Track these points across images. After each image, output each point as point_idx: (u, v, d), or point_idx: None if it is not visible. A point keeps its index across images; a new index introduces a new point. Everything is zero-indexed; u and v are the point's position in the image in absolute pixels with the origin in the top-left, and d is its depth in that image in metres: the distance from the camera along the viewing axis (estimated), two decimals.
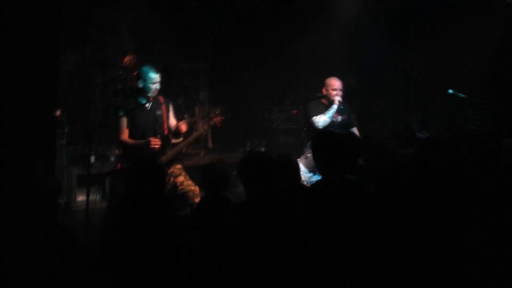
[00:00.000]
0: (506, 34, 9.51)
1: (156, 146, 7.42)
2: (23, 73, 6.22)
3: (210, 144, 12.58)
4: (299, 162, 7.18)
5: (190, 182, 7.80)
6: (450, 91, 9.58)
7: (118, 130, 7.67)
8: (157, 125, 7.63)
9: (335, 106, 8.63)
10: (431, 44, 10.38)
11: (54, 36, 6.45)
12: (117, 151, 10.75)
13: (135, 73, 11.45)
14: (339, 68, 11.17)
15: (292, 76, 12.99)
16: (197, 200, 7.57)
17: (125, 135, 7.56)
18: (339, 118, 8.82)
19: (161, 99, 7.74)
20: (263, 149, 11.95)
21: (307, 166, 7.36)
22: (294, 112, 12.29)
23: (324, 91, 8.86)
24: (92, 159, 9.64)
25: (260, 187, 4.41)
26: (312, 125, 8.71)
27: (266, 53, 12.60)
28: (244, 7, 11.38)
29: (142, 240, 4.30)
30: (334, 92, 8.72)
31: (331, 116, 8.63)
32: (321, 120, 8.67)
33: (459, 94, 9.51)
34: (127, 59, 12.11)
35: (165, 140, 7.63)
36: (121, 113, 7.51)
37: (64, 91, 10.86)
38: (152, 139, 7.43)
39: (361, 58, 11.45)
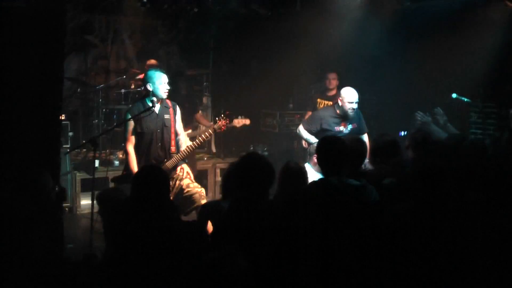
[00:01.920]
0: (508, 38, 9.52)
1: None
2: (28, 80, 6.24)
3: (213, 149, 12.62)
4: (308, 166, 7.22)
5: (196, 184, 7.82)
6: (454, 95, 9.58)
7: (124, 136, 7.68)
8: (165, 129, 7.63)
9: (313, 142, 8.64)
10: (434, 48, 10.37)
11: (59, 42, 6.47)
12: (120, 156, 10.82)
13: (141, 76, 11.55)
14: (341, 72, 11.21)
15: (295, 80, 13.02)
16: (203, 202, 7.58)
17: (130, 142, 7.56)
18: (349, 127, 8.85)
19: (168, 102, 7.75)
20: (266, 153, 11.96)
21: (317, 170, 7.36)
22: (297, 116, 12.31)
23: (339, 101, 8.84)
24: (96, 163, 9.69)
25: (256, 192, 4.42)
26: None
27: (268, 58, 12.63)
28: (246, 12, 11.41)
29: (148, 247, 4.31)
30: (350, 106, 8.70)
31: (310, 143, 8.73)
32: (304, 134, 8.99)
33: (463, 98, 9.49)
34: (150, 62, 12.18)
35: (170, 145, 7.67)
36: (128, 117, 7.51)
37: (67, 97, 10.90)
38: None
39: (363, 62, 11.45)
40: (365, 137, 8.81)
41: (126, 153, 7.65)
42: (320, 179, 4.86)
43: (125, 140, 7.64)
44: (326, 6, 10.90)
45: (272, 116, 12.29)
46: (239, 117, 9.36)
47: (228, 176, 5.68)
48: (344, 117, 8.79)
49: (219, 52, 13.81)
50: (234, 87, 13.14)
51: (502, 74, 10.04)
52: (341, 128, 8.76)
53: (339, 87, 9.63)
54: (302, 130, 9.11)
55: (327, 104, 10.37)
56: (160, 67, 11.73)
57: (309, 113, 10.61)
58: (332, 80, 10.76)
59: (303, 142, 9.62)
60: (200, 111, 11.78)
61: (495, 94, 10.29)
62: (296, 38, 11.92)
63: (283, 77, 12.55)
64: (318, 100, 10.76)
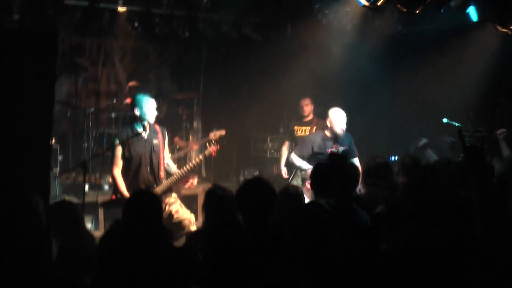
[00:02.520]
0: (498, 62, 9.57)
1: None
2: (19, 102, 6.19)
3: (203, 173, 12.57)
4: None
5: (185, 210, 7.77)
6: (445, 120, 9.62)
7: (111, 160, 7.64)
8: (153, 154, 7.60)
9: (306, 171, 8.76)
10: (425, 73, 10.43)
11: (51, 64, 6.43)
12: (110, 180, 10.75)
13: (129, 100, 11.50)
14: (333, 97, 11.22)
15: (285, 105, 13.02)
16: (192, 228, 7.53)
17: (116, 166, 7.51)
18: (340, 149, 8.83)
19: (157, 127, 7.72)
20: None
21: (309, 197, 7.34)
22: None
23: (328, 123, 8.87)
24: (86, 187, 9.61)
25: (259, 216, 4.37)
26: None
27: (259, 82, 12.64)
28: (238, 36, 11.42)
29: (139, 273, 4.26)
30: (339, 126, 8.74)
31: (302, 169, 8.83)
32: (296, 161, 9.01)
33: (454, 123, 9.54)
34: (132, 84, 12.18)
35: (159, 170, 7.62)
36: (117, 142, 7.48)
37: (57, 119, 10.84)
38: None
39: (354, 86, 11.48)
40: (356, 161, 8.81)
41: (113, 177, 7.61)
42: (311, 201, 4.86)
43: (112, 164, 7.61)
44: (317, 30, 10.92)
45: (263, 140, 12.28)
46: (213, 129, 9.32)
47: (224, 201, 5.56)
48: (335, 139, 8.79)
49: (210, 76, 13.80)
50: (224, 111, 13.11)
51: (493, 98, 10.11)
52: (333, 150, 8.74)
53: (325, 110, 9.62)
54: (294, 157, 9.10)
55: (305, 130, 10.35)
56: (141, 88, 11.77)
57: (286, 143, 10.61)
58: (305, 107, 10.61)
59: (283, 172, 9.67)
60: (178, 134, 11.80)
61: (486, 118, 10.33)
62: (287, 62, 11.93)
63: (273, 101, 12.56)
64: (295, 127, 10.63)
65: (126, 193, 7.41)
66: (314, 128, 10.11)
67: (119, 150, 7.48)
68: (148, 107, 7.50)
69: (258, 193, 4.48)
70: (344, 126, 8.73)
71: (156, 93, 11.25)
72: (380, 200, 5.77)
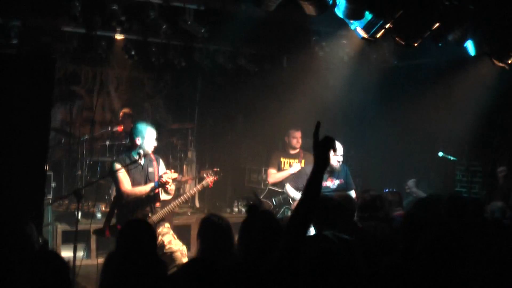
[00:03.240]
0: (495, 97, 9.61)
1: (168, 180, 7.40)
2: (16, 128, 6.17)
3: (197, 204, 12.50)
4: None
5: (177, 241, 7.69)
6: (440, 153, 9.63)
7: (117, 184, 7.51)
8: (149, 183, 7.55)
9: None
10: (420, 106, 10.45)
11: (48, 91, 6.43)
12: (103, 208, 10.68)
13: (120, 128, 11.47)
14: (328, 129, 11.21)
15: (280, 136, 13.01)
16: (184, 260, 7.44)
17: (125, 185, 7.38)
18: (336, 182, 8.78)
19: (152, 156, 7.68)
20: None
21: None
22: None
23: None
24: (79, 215, 9.54)
25: (262, 251, 4.30)
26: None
27: (254, 113, 12.65)
28: (234, 67, 11.43)
29: None
30: (335, 158, 8.61)
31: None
32: (291, 192, 9.13)
33: (449, 156, 9.56)
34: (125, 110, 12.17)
35: (155, 196, 7.55)
36: (118, 166, 7.40)
37: (51, 147, 10.80)
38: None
39: (349, 118, 11.51)
40: (353, 193, 8.74)
41: (129, 193, 7.43)
42: (316, 234, 4.84)
43: (118, 187, 7.45)
44: (313, 63, 10.96)
45: (257, 172, 12.23)
46: (207, 168, 9.11)
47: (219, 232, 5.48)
48: (330, 172, 8.71)
49: (205, 106, 13.81)
50: (219, 141, 13.10)
51: (488, 132, 10.13)
52: (328, 183, 8.67)
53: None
54: (289, 188, 9.07)
55: (291, 163, 10.16)
56: (134, 116, 11.75)
57: (270, 170, 10.36)
58: (297, 139, 10.29)
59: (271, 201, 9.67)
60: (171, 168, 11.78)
61: (481, 152, 10.35)
62: (282, 94, 11.96)
63: (268, 132, 12.55)
64: (282, 159, 10.36)
65: (148, 188, 7.39)
66: (303, 161, 10.02)
67: (122, 172, 7.38)
68: (149, 137, 7.47)
69: (264, 227, 4.40)
70: (341, 159, 8.68)
71: (151, 123, 11.22)
72: (378, 234, 5.74)
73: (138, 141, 7.45)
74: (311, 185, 3.74)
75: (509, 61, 8.02)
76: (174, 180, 7.66)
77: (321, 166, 3.75)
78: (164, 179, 7.39)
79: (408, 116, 10.69)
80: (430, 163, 10.73)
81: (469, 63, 9.40)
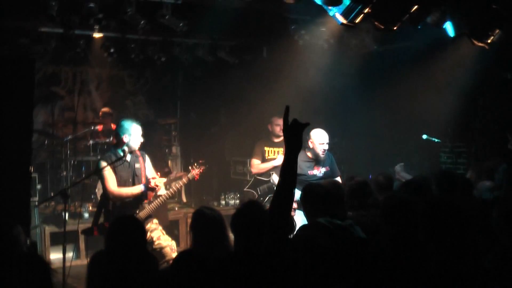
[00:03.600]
0: (475, 77, 9.63)
1: (157, 186, 7.41)
2: None
3: (184, 199, 12.48)
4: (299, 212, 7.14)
5: (166, 237, 7.68)
6: (424, 136, 9.63)
7: (103, 182, 7.48)
8: (136, 179, 7.53)
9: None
10: (402, 90, 10.46)
11: (29, 92, 6.39)
12: (90, 208, 10.65)
13: (100, 127, 11.44)
14: (311, 117, 11.21)
15: (263, 127, 13.01)
16: (173, 255, 7.43)
17: (111, 184, 7.33)
18: (322, 170, 8.76)
19: (137, 152, 7.64)
20: (237, 201, 11.86)
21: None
22: None
23: (310, 144, 8.70)
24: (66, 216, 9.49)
25: (253, 238, 4.30)
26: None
27: (237, 105, 12.63)
28: (214, 60, 11.41)
29: None
30: (321, 147, 8.59)
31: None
32: (258, 166, 9.43)
33: (433, 138, 9.56)
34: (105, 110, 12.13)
35: (142, 194, 7.52)
36: (104, 164, 7.35)
37: (35, 149, 10.75)
38: (151, 178, 7.45)
39: (332, 106, 11.51)
40: (339, 180, 8.73)
41: (114, 192, 7.38)
42: (311, 222, 4.85)
43: (105, 186, 7.40)
44: (293, 51, 10.94)
45: (243, 164, 12.19)
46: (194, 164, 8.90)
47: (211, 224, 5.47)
48: (316, 160, 8.69)
49: (187, 100, 13.78)
50: (203, 135, 13.08)
51: (471, 112, 10.16)
52: (315, 171, 8.66)
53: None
54: (275, 177, 9.04)
55: (276, 152, 10.00)
56: (113, 114, 11.72)
57: (254, 160, 10.08)
58: (279, 126, 9.97)
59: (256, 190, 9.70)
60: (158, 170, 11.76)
61: (464, 133, 10.38)
62: (264, 84, 11.94)
63: (252, 124, 12.54)
64: (265, 148, 10.14)
65: (136, 190, 7.35)
66: None
67: (108, 171, 7.34)
68: (136, 134, 7.44)
69: (255, 216, 4.40)
70: (326, 147, 8.64)
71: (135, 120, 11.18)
72: (368, 222, 5.71)
73: (126, 138, 7.41)
74: (286, 170, 3.75)
75: (489, 41, 8.02)
76: (167, 178, 7.66)
77: (293, 149, 3.78)
78: (152, 184, 7.38)
79: (391, 100, 10.70)
80: (414, 146, 10.76)
81: (449, 45, 9.40)
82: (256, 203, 4.68)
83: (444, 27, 8.06)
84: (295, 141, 3.78)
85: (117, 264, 4.39)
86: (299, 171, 8.60)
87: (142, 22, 9.05)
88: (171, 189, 7.78)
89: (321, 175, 8.67)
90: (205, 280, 4.13)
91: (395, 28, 7.38)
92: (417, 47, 10.12)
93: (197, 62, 11.62)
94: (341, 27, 8.05)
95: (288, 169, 3.75)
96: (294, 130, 3.81)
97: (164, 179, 7.73)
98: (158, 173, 7.86)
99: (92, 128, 11.92)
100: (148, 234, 7.47)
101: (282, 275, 3.78)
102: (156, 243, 7.50)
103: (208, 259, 4.46)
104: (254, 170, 9.85)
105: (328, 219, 4.76)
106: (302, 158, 8.67)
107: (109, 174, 7.33)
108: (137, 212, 7.46)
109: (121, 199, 7.39)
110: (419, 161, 10.98)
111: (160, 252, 7.46)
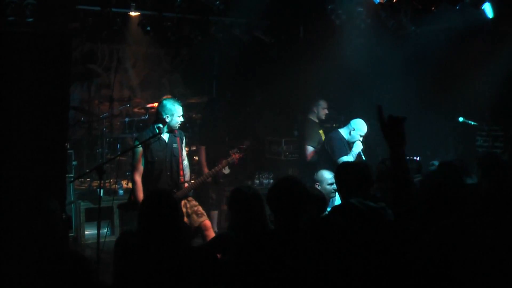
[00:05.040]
0: None
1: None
2: (36, 107, 6.19)
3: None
4: None
5: (204, 213, 7.73)
6: (460, 119, 9.52)
7: (132, 164, 7.57)
8: (173, 159, 7.53)
9: (355, 151, 8.72)
10: (440, 72, 10.33)
11: (65, 68, 6.43)
12: (125, 185, 10.73)
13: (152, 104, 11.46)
14: (346, 98, 11.17)
15: (298, 107, 12.97)
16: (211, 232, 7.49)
17: (137, 171, 7.42)
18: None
19: (175, 132, 7.64)
20: (271, 180, 11.83)
21: None
22: None
23: (350, 132, 8.85)
24: (101, 193, 9.57)
25: (291, 215, 4.29)
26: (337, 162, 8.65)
27: (272, 85, 12.59)
28: (250, 39, 11.39)
29: (157, 273, 4.20)
30: (361, 138, 8.80)
31: (354, 157, 8.71)
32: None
33: (470, 121, 9.44)
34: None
35: (179, 175, 7.55)
36: (137, 143, 7.40)
37: (71, 125, 10.84)
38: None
39: (368, 87, 11.41)
40: None
41: (133, 182, 7.50)
42: (344, 202, 4.85)
43: (133, 169, 7.53)
44: (330, 32, 10.87)
45: (277, 144, 12.18)
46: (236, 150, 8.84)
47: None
48: (349, 145, 8.85)
49: (223, 79, 13.77)
50: (238, 114, 13.07)
51: (509, 96, 9.99)
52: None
53: (335, 113, 9.41)
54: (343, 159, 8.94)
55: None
56: (158, 96, 11.74)
57: (310, 147, 9.96)
58: (326, 110, 10.17)
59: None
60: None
61: (502, 117, 10.22)
62: (300, 64, 11.88)
63: (287, 104, 12.51)
64: (320, 132, 10.19)
65: (140, 197, 7.36)
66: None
67: (139, 153, 7.39)
68: (178, 115, 7.44)
69: (292, 191, 4.39)
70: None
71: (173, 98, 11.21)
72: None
73: (167, 118, 7.41)
74: (397, 166, 3.73)
75: None
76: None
77: (395, 145, 3.73)
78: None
79: (427, 82, 10.59)
80: (450, 129, 10.64)
81: (487, 27, 9.26)
82: (293, 178, 4.67)
83: (483, 7, 7.94)
84: (396, 138, 3.74)
85: (148, 238, 4.40)
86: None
87: (178, 0, 9.06)
88: (211, 171, 7.81)
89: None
90: (245, 259, 4.15)
91: (433, 8, 7.29)
92: (456, 28, 9.97)
93: (234, 41, 11.59)
94: (378, 7, 7.96)
95: (398, 166, 3.73)
96: (392, 127, 3.77)
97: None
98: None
99: (128, 106, 12.01)
100: (186, 211, 7.53)
101: (317, 253, 3.78)
102: (194, 218, 7.55)
103: (247, 237, 4.48)
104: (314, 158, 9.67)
105: (361, 199, 4.74)
106: (345, 148, 8.80)
107: (139, 159, 7.39)
108: (174, 191, 7.47)
109: (159, 173, 7.45)
110: (454, 144, 10.86)
111: (199, 227, 7.53)
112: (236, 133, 12.11)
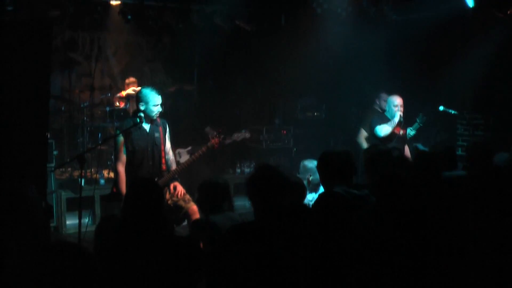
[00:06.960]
0: (495, 48, 9.54)
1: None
2: (16, 95, 6.14)
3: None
4: None
5: (190, 198, 7.71)
6: (441, 107, 9.54)
7: (114, 154, 7.54)
8: (155, 148, 7.49)
9: (396, 120, 8.90)
10: (420, 61, 10.39)
11: (46, 56, 6.39)
12: (106, 174, 10.70)
13: (122, 94, 11.44)
14: (328, 87, 11.18)
15: (280, 96, 12.98)
16: (196, 216, 7.48)
17: (120, 161, 7.38)
18: (401, 132, 9.01)
19: (158, 120, 7.58)
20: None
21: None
22: (284, 132, 12.25)
23: (385, 107, 9.26)
24: (82, 182, 9.52)
25: (270, 204, 4.29)
26: (374, 133, 9.01)
27: (254, 73, 12.59)
28: (232, 27, 11.37)
29: (141, 263, 4.19)
30: (396, 109, 8.98)
31: (393, 127, 8.88)
32: (384, 129, 8.93)
33: (450, 110, 9.46)
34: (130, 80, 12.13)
35: (160, 163, 7.53)
36: (118, 132, 7.37)
37: (52, 114, 10.77)
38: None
39: (350, 76, 11.44)
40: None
41: (116, 172, 7.46)
42: (328, 190, 4.87)
43: (115, 159, 7.48)
44: (311, 20, 10.87)
45: (258, 132, 12.19)
46: (243, 131, 9.20)
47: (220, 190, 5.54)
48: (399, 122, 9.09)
49: (204, 68, 13.73)
50: (219, 103, 13.05)
51: (489, 84, 10.06)
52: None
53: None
54: (381, 128, 8.96)
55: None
56: (139, 85, 11.68)
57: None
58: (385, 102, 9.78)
59: None
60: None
61: (482, 105, 10.29)
62: (282, 53, 11.89)
63: (269, 92, 12.50)
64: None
65: (124, 191, 7.32)
66: None
67: (121, 143, 7.34)
68: (155, 103, 7.38)
69: (269, 179, 4.39)
70: (402, 109, 9.10)
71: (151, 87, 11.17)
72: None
73: (141, 106, 7.36)
74: None
75: (509, 11, 7.93)
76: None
77: None
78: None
79: (409, 70, 10.63)
80: (431, 117, 10.69)
81: (468, 15, 9.30)
82: (269, 166, 4.66)
83: None
84: None
85: (132, 228, 4.39)
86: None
87: None
88: (189, 158, 7.78)
89: (400, 135, 9.11)
90: (225, 249, 4.15)
91: None
92: (437, 17, 10.01)
93: (215, 29, 11.57)
94: None
95: None
96: None
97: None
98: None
99: (109, 95, 11.96)
100: (168, 197, 7.52)
101: (304, 242, 3.80)
102: (179, 203, 7.55)
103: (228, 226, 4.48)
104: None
105: (345, 188, 4.76)
106: (385, 121, 9.07)
107: (120, 149, 7.36)
108: (156, 179, 7.44)
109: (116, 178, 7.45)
110: (435, 133, 10.93)
111: (185, 213, 7.53)
112: (230, 124, 12.06)
